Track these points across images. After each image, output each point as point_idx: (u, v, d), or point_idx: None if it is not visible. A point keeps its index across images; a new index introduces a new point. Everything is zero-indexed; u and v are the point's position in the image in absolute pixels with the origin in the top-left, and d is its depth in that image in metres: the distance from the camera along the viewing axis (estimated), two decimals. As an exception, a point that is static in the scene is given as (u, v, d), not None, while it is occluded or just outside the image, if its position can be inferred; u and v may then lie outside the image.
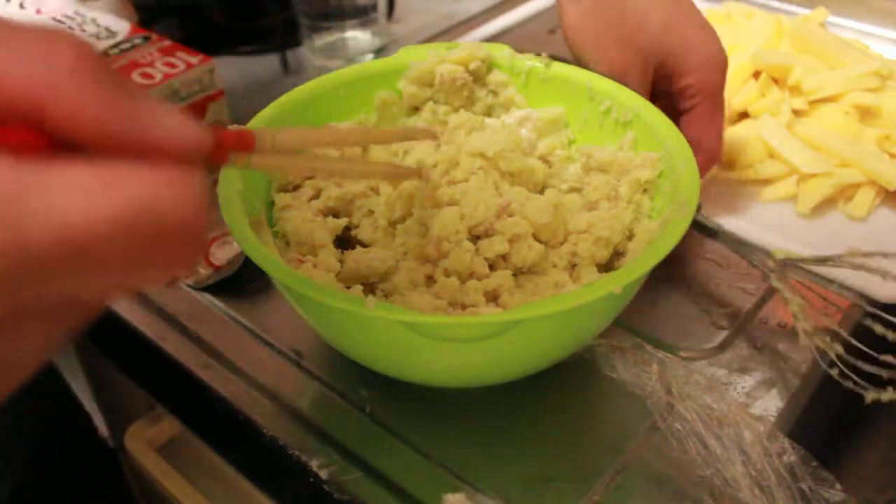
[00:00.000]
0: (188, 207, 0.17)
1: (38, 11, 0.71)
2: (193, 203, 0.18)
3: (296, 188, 0.46)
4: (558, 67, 0.50)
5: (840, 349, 0.41)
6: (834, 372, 0.41)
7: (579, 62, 0.51)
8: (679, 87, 0.49)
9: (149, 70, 0.60)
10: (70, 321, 0.19)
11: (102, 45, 0.65)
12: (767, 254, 0.46)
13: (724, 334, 0.47)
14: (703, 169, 0.48)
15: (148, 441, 0.50)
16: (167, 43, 0.64)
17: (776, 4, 0.81)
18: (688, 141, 0.43)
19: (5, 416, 0.52)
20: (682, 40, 0.48)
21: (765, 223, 0.54)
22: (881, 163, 0.55)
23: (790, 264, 0.45)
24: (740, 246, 0.47)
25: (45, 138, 0.17)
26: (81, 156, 0.17)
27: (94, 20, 0.69)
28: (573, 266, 0.43)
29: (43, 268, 0.16)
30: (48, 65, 0.16)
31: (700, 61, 0.48)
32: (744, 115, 0.63)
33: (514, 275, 0.41)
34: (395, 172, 0.41)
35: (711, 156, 0.50)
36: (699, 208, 0.49)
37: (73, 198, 0.16)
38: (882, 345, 0.40)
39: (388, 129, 0.40)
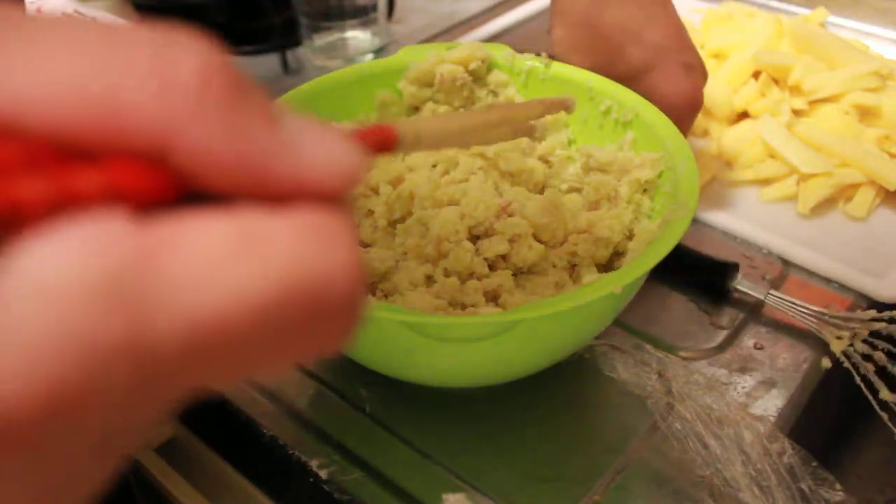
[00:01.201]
0: (344, 273, 0.13)
1: (38, 11, 0.71)
2: (349, 264, 0.13)
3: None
4: (558, 67, 0.50)
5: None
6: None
7: None
8: None
9: (149, 70, 0.60)
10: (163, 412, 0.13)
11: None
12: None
13: (724, 334, 0.47)
14: None
15: (148, 441, 0.50)
16: (167, 43, 0.64)
17: (776, 4, 0.81)
18: None
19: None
20: (659, 83, 0.48)
21: (765, 223, 0.54)
22: (881, 163, 0.55)
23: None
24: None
25: (170, 183, 0.12)
26: (206, 204, 0.13)
27: (93, 20, 0.69)
28: (573, 266, 0.42)
29: (165, 371, 0.11)
30: (165, 87, 0.12)
31: (672, 106, 0.48)
32: (744, 115, 0.63)
33: (514, 275, 0.41)
34: (546, 108, 0.33)
35: None
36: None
37: (210, 272, 0.12)
38: None
39: (523, 104, 0.33)
